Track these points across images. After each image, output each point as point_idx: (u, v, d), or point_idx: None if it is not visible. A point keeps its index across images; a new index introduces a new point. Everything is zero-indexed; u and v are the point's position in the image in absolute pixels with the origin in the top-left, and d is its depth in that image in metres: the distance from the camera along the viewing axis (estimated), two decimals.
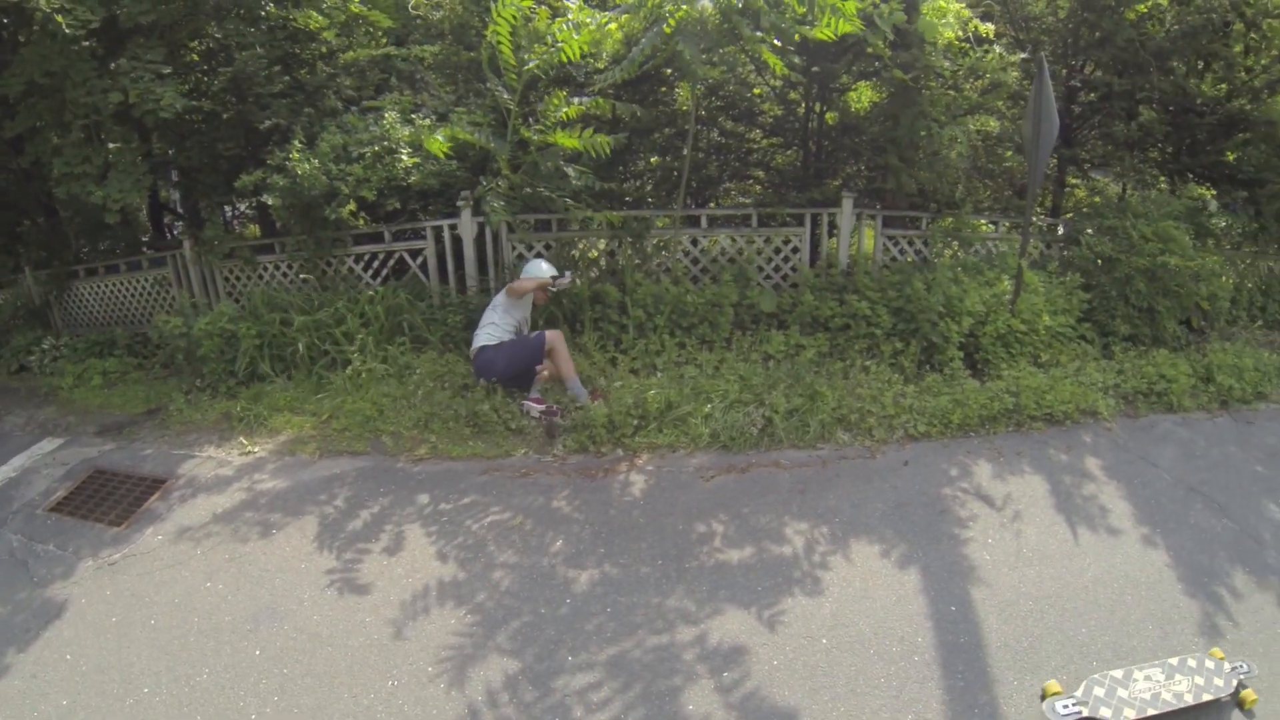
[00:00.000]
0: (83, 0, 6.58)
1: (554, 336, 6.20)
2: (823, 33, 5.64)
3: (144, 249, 9.77)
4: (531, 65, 6.15)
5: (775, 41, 5.85)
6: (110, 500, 5.51)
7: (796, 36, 5.89)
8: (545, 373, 6.23)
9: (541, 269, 6.43)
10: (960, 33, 6.97)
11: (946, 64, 6.93)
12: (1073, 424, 6.25)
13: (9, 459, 6.45)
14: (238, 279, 8.16)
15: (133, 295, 8.98)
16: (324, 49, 8.19)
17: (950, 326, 6.57)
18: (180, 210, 10.97)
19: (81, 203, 7.71)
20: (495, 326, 6.27)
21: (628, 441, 5.75)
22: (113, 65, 6.80)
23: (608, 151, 6.13)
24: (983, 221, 8.01)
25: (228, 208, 11.66)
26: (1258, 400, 6.95)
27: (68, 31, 6.33)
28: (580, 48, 6.00)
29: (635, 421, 5.83)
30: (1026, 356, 6.84)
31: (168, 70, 6.82)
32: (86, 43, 6.83)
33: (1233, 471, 5.72)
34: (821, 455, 5.65)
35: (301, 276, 7.78)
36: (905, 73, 6.65)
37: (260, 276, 8.00)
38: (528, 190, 6.55)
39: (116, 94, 6.76)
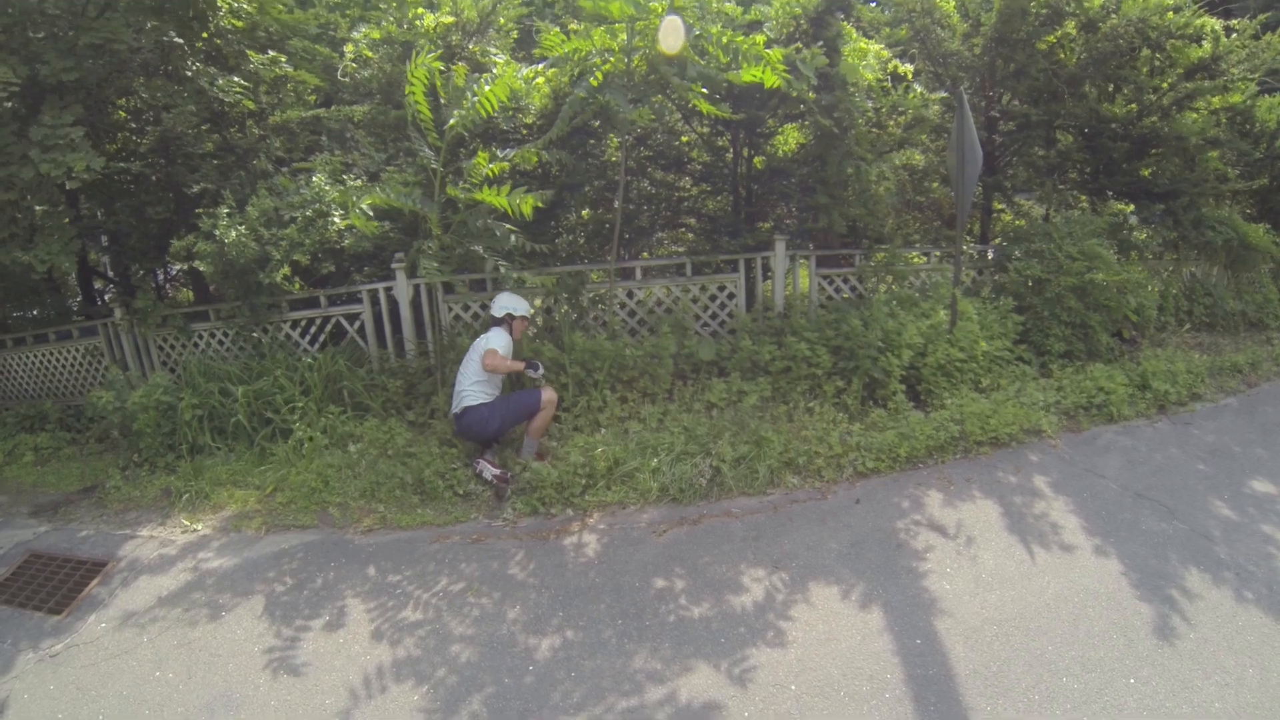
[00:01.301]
0: (4, 60, 6.36)
1: (551, 397, 6.11)
2: (749, 74, 5.77)
3: (74, 315, 9.48)
4: (452, 122, 6.12)
5: (703, 90, 5.96)
6: (49, 586, 5.30)
7: (724, 83, 6.01)
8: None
9: (519, 304, 6.29)
10: (881, 73, 7.18)
11: (869, 104, 7.14)
12: (1018, 445, 6.41)
13: None
14: (172, 347, 7.97)
15: (64, 366, 8.74)
16: (252, 107, 8.10)
17: (890, 361, 6.70)
18: (111, 275, 10.67)
19: (7, 268, 7.43)
20: (484, 384, 6.06)
21: (578, 501, 5.72)
22: (30, 131, 6.54)
23: (529, 214, 6.05)
24: (914, 253, 8.23)
25: (160, 271, 11.38)
26: (1193, 401, 7.25)
27: None
28: (495, 100, 5.98)
29: (584, 480, 5.81)
30: (968, 383, 7.00)
31: (80, 133, 6.56)
32: (8, 104, 6.59)
33: (1176, 473, 5.94)
34: (772, 501, 5.68)
35: (239, 345, 7.63)
36: (829, 115, 6.80)
37: (195, 345, 7.81)
38: (460, 250, 6.51)
39: (29, 169, 6.49)
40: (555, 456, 6.13)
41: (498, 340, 6.03)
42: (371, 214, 6.30)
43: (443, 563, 5.17)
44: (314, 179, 6.86)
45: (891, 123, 8.32)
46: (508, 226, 6.47)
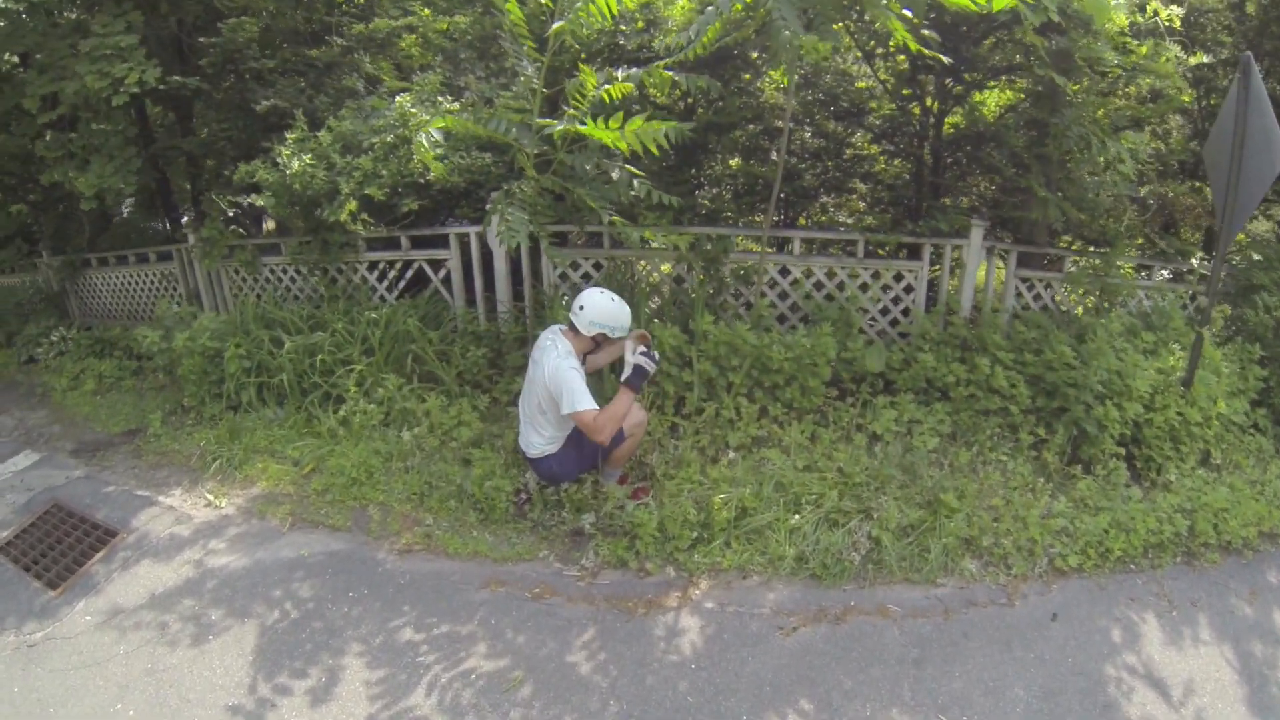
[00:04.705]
0: None
1: (639, 420, 4.51)
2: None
3: (169, 239, 9.45)
4: (556, 27, 4.52)
5: (905, 11, 4.31)
6: (57, 550, 4.92)
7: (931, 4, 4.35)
8: None
9: (620, 320, 4.41)
10: (1136, 17, 5.35)
11: (1113, 57, 5.28)
12: (1254, 554, 4.67)
13: None
14: (245, 280, 7.23)
15: (141, 289, 8.52)
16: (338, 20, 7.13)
17: (1110, 413, 4.91)
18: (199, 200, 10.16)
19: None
20: (552, 427, 4.43)
21: (683, 559, 4.26)
22: (81, 43, 6.05)
23: (654, 149, 4.33)
24: (1129, 264, 6.36)
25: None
26: None
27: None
28: (609, 6, 4.31)
29: (695, 533, 4.34)
30: (1195, 455, 5.20)
31: (133, 41, 5.89)
32: (69, 13, 6.26)
33: None
34: (943, 597, 4.12)
35: (310, 284, 6.77)
36: (1059, 66, 5.04)
37: (267, 280, 7.02)
38: (568, 199, 5.13)
39: (74, 83, 6.00)
40: (663, 489, 4.64)
41: (582, 392, 4.14)
42: (441, 141, 4.92)
43: (486, 624, 3.93)
44: (397, 99, 5.62)
45: (1120, 93, 6.48)
46: (630, 169, 4.92)
